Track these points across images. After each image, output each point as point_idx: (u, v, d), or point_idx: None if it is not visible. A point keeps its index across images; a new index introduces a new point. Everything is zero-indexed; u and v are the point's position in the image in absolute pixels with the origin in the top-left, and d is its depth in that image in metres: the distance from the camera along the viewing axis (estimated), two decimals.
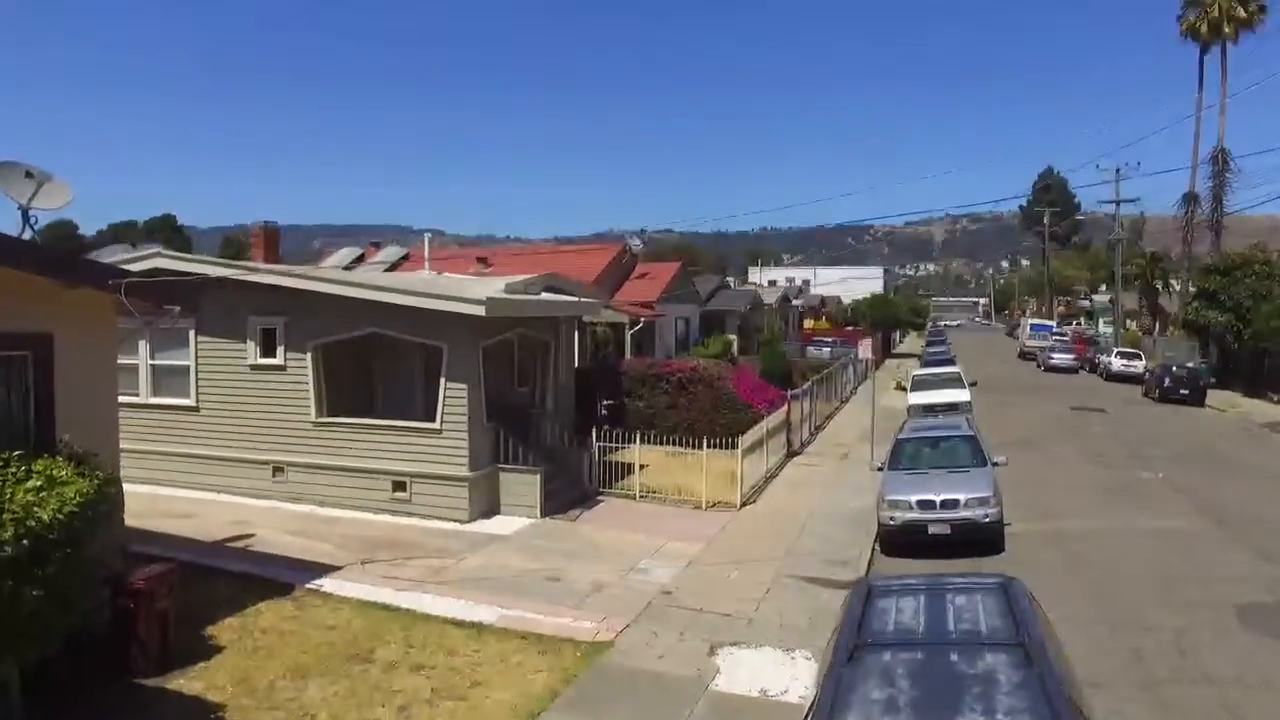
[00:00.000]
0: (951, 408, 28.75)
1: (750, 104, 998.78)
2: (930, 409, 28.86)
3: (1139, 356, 48.15)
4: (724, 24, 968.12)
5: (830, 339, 55.67)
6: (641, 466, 20.58)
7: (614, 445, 19.80)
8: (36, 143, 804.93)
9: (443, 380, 16.19)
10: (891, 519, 15.39)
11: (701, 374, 23.77)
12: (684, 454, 23.17)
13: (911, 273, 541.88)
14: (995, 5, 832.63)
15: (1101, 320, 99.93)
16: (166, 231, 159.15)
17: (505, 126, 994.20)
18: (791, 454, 24.29)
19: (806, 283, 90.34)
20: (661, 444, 21.07)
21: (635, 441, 19.75)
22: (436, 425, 16.16)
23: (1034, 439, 27.34)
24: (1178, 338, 59.80)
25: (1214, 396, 38.96)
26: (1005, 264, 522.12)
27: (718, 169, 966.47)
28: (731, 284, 54.87)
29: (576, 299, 20.27)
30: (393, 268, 34.27)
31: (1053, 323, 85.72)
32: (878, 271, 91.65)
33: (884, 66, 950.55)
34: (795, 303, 60.72)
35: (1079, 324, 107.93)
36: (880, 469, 17.59)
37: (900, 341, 70.55)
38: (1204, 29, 51.33)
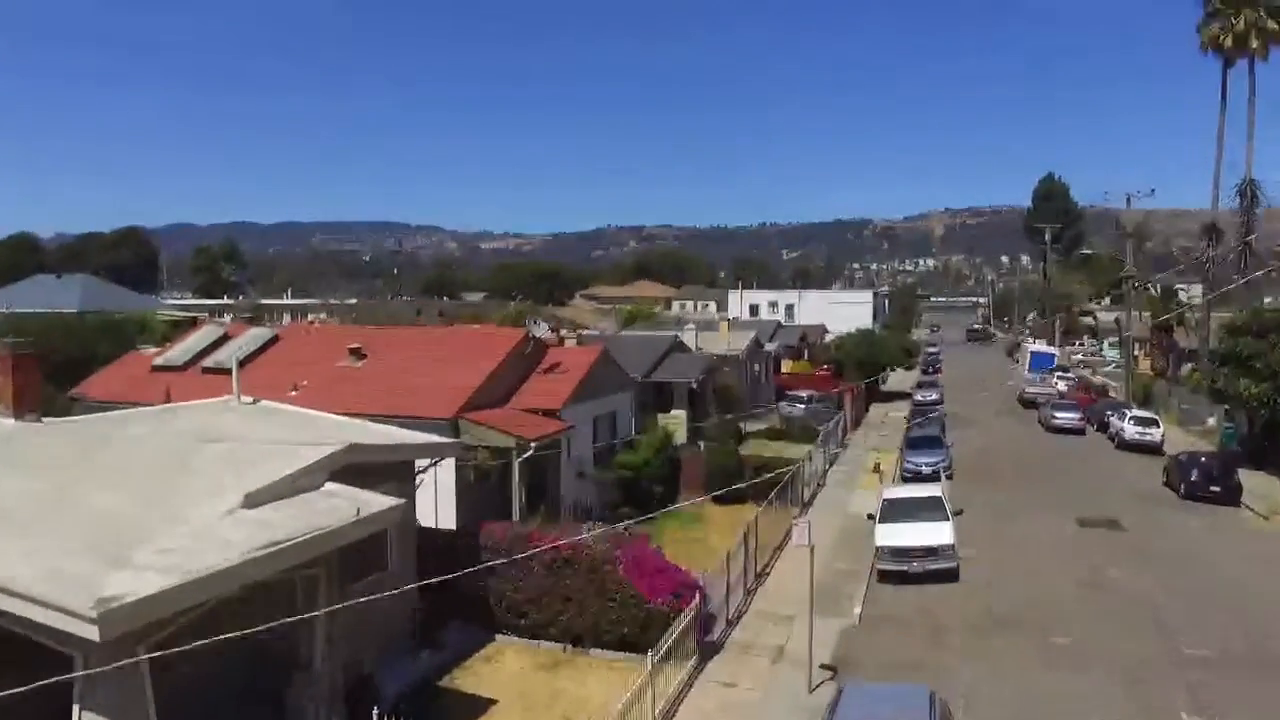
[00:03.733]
0: (929, 552, 22.53)
1: (749, 96, 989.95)
2: (903, 555, 22.62)
3: (1155, 423, 41.90)
4: (722, 18, 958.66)
5: (807, 393, 49.40)
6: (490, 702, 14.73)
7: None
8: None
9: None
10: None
11: (581, 555, 17.57)
12: (560, 658, 17.31)
13: (911, 268, 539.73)
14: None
15: (1106, 342, 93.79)
16: (133, 245, 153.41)
17: (502, 121, 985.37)
18: (707, 651, 18.09)
19: (790, 308, 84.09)
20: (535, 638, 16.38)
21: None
22: None
23: (1035, 606, 21.09)
24: (1195, 378, 53.65)
25: (1246, 481, 32.76)
26: (1005, 259, 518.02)
27: (717, 162, 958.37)
28: (694, 332, 48.45)
29: (354, 520, 13.15)
30: (252, 357, 28.01)
31: (1054, 351, 79.43)
32: (866, 296, 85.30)
33: (881, 59, 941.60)
34: (769, 347, 54.38)
35: (1082, 344, 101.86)
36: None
37: (890, 375, 64.18)
38: (1228, 42, 45.02)
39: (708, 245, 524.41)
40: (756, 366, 53.77)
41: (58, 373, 36.97)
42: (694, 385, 36.94)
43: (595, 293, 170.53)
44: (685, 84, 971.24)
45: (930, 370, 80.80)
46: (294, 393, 25.39)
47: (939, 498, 24.07)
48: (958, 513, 23.96)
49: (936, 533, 22.78)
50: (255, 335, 28.90)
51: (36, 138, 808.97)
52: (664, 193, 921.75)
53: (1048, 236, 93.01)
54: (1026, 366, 78.90)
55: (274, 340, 28.97)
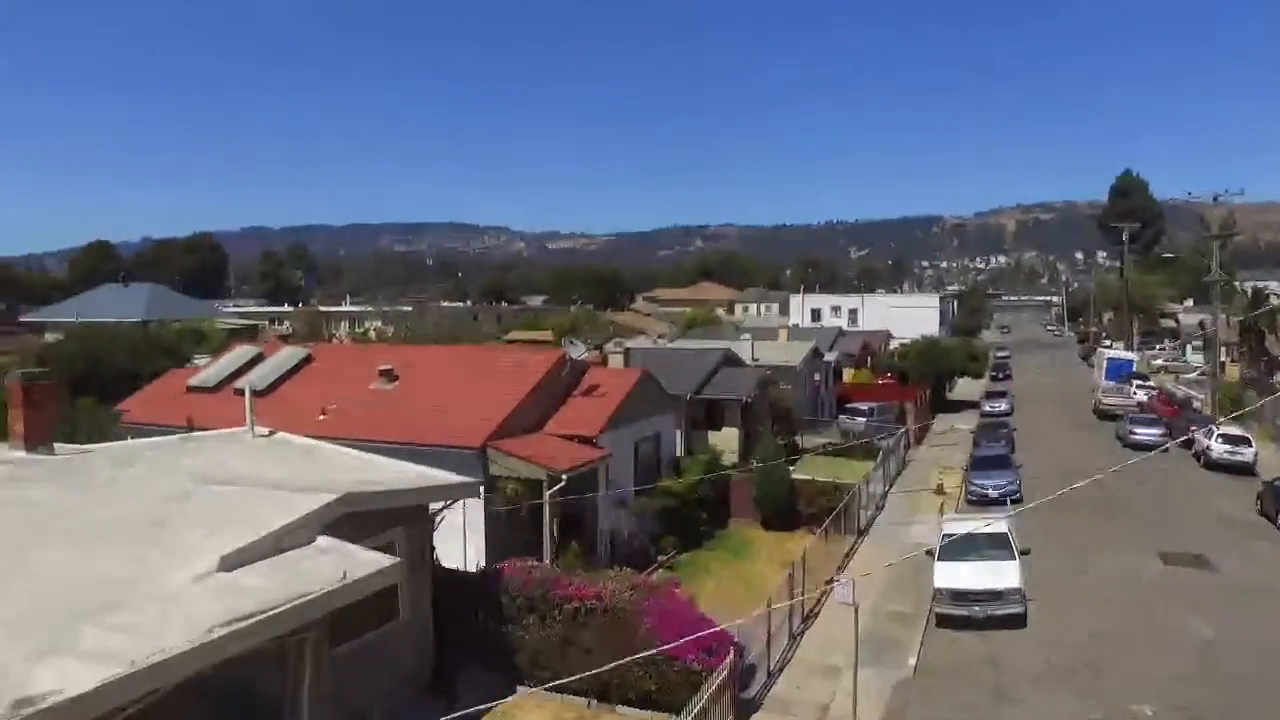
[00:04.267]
0: (993, 596, 20.65)
1: (814, 92, 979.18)
2: (965, 598, 20.78)
3: (1247, 441, 38.92)
4: (788, 14, 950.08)
5: (867, 405, 47.32)
6: None
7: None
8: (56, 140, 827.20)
9: None
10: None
11: (608, 602, 16.20)
12: (585, 714, 16.07)
13: (981, 265, 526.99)
14: None
15: (1189, 346, 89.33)
16: (204, 251, 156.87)
17: (569, 122, 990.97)
18: (743, 711, 16.59)
19: (854, 313, 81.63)
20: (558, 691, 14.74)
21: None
22: None
23: (1113, 662, 19.08)
24: None
25: None
26: (1080, 256, 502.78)
27: (781, 160, 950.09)
28: (750, 342, 46.74)
29: (339, 587, 11.84)
30: (284, 378, 27.28)
31: (1133, 357, 75.61)
32: (932, 300, 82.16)
33: (947, 51, 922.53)
34: (829, 356, 52.38)
35: (1162, 348, 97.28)
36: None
37: (957, 383, 61.49)
38: None
39: (772, 244, 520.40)
40: (816, 376, 51.87)
41: (114, 384, 37.17)
42: (746, 402, 35.30)
43: (657, 295, 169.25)
44: (748, 82, 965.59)
45: (1000, 376, 77.78)
46: (322, 417, 24.58)
47: (1005, 534, 22.11)
48: (1025, 551, 21.99)
49: (1002, 574, 20.88)
50: (288, 355, 28.15)
51: (118, 146, 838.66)
52: (728, 191, 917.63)
53: (1125, 236, 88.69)
54: (1103, 373, 75.29)
55: (307, 360, 28.19)
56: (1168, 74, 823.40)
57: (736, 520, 29.40)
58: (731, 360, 38.96)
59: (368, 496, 14.65)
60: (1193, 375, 73.15)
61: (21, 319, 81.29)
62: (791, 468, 37.39)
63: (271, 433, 19.16)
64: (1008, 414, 56.00)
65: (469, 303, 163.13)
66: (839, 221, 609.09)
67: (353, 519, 14.30)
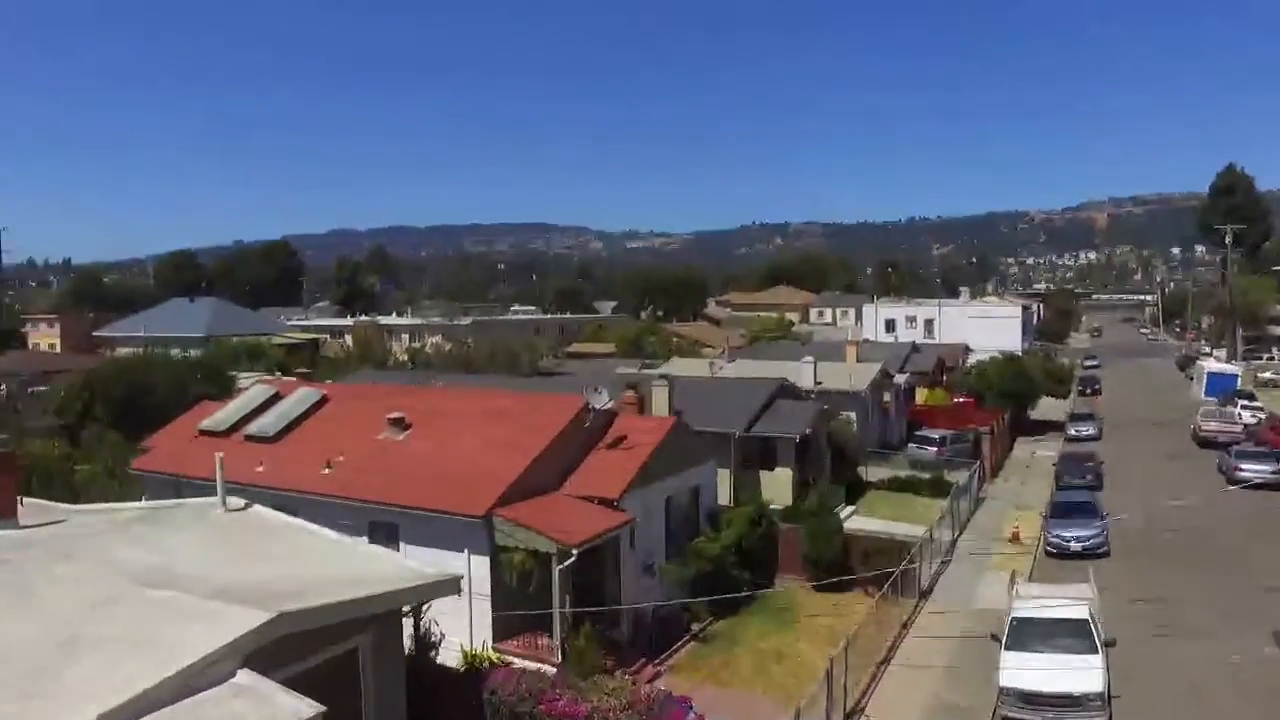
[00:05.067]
0: (1070, 702, 17.66)
1: (895, 86, 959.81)
2: (1036, 702, 17.84)
3: None
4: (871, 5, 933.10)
5: (939, 434, 43.95)
6: None
7: None
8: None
9: None
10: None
11: None
12: None
13: (1070, 262, 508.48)
14: None
15: None
16: (281, 258, 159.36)
17: (644, 118, 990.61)
18: None
19: (930, 323, 77.63)
20: None
21: None
22: None
23: None
24: None
25: None
26: (1176, 251, 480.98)
27: (864, 156, 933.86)
28: (811, 366, 43.85)
29: None
30: (296, 423, 25.64)
31: (1237, 371, 70.12)
32: (1014, 310, 77.31)
33: (1033, 41, 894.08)
34: (899, 378, 49.05)
35: (1271, 358, 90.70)
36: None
37: (1039, 402, 57.31)
38: None
39: (854, 241, 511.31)
40: (885, 397, 48.65)
41: (157, 410, 36.27)
42: (799, 440, 32.55)
43: (730, 300, 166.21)
44: (830, 76, 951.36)
45: (1087, 391, 72.99)
46: (327, 470, 22.86)
47: (1086, 621, 19.02)
48: (1110, 643, 18.85)
49: (1082, 674, 17.83)
50: (301, 399, 26.49)
51: (205, 149, 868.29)
52: (811, 188, 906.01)
53: (1228, 238, 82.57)
54: (1203, 388, 69.98)
55: (322, 402, 26.50)
56: (1269, 58, 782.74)
57: (785, 576, 26.75)
58: (787, 391, 36.16)
59: (310, 614, 12.55)
60: None
61: (98, 332, 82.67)
62: (852, 506, 34.74)
63: (246, 505, 17.32)
64: (1095, 438, 51.83)
65: (539, 309, 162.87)
66: (922, 218, 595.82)
67: (298, 637, 12.28)
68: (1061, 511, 31.15)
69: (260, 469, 23.62)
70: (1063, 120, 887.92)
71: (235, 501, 17.38)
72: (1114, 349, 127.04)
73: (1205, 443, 48.35)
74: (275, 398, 27.39)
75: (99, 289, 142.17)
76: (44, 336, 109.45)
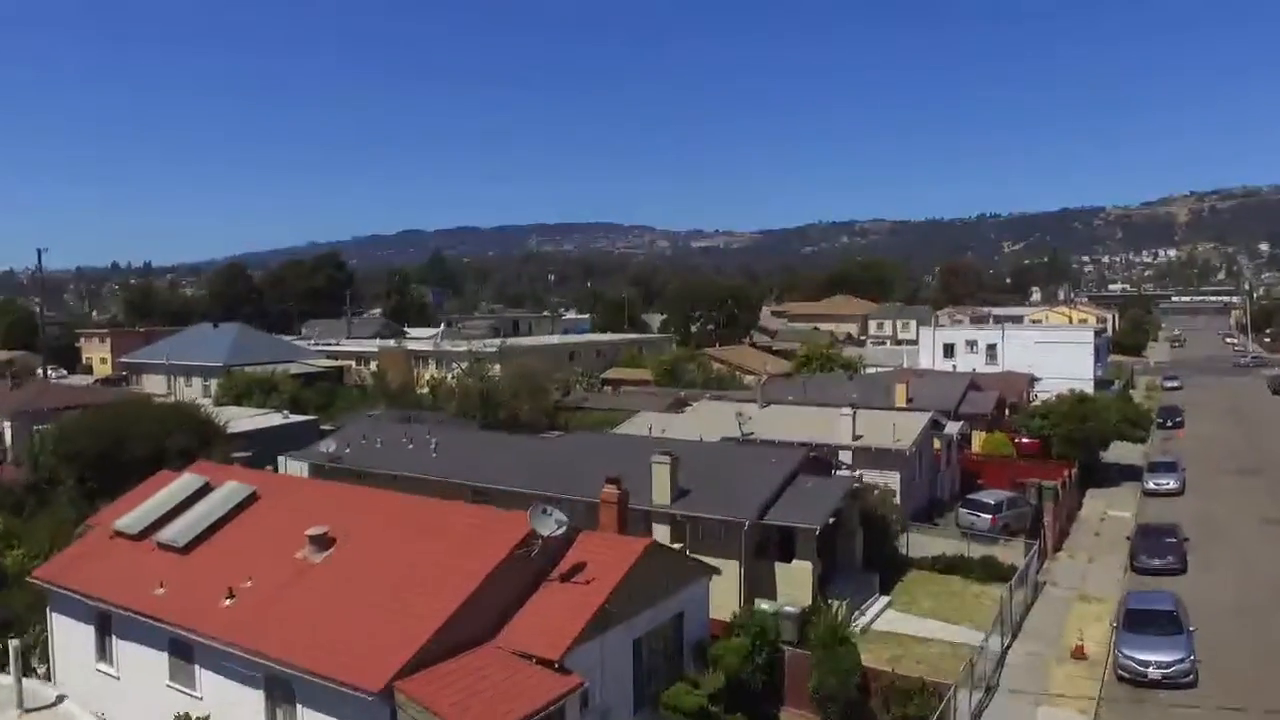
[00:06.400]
0: None
1: (965, 81, 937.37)
2: None
3: None
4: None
5: (994, 498, 38.66)
6: None
7: None
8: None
9: None
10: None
11: None
12: None
13: (1149, 259, 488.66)
14: None
15: None
16: (329, 269, 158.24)
17: (709, 117, 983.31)
18: None
19: (992, 348, 71.70)
20: None
21: None
22: None
23: None
24: None
25: None
26: (1264, 247, 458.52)
27: (933, 151, 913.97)
28: (849, 420, 39.13)
29: None
30: (216, 527, 21.93)
31: None
32: (1086, 335, 70.58)
33: (1107, 35, 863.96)
34: (951, 428, 43.80)
35: None
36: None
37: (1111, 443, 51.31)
38: None
39: (922, 239, 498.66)
40: (936, 444, 43.62)
41: (136, 466, 33.18)
42: (839, 505, 27.98)
43: (786, 310, 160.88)
44: (897, 71, 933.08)
45: (1168, 423, 66.43)
46: (227, 602, 19.09)
47: None
48: None
49: None
50: (228, 495, 22.78)
51: (284, 154, 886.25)
52: (879, 185, 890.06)
53: None
54: None
55: (250, 500, 22.76)
56: None
57: (791, 711, 22.29)
58: (813, 464, 31.45)
59: None
60: None
61: (125, 358, 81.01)
62: (886, 597, 30.03)
63: (59, 699, 13.57)
64: (1177, 493, 45.99)
65: (568, 322, 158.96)
66: (993, 214, 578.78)
67: None
68: (1136, 622, 25.88)
69: (160, 591, 19.98)
70: (1140, 112, 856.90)
71: (43, 694, 13.62)
72: (1197, 364, 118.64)
73: None
74: (204, 490, 23.74)
75: (148, 301, 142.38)
76: (97, 352, 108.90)
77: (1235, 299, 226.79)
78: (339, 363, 74.15)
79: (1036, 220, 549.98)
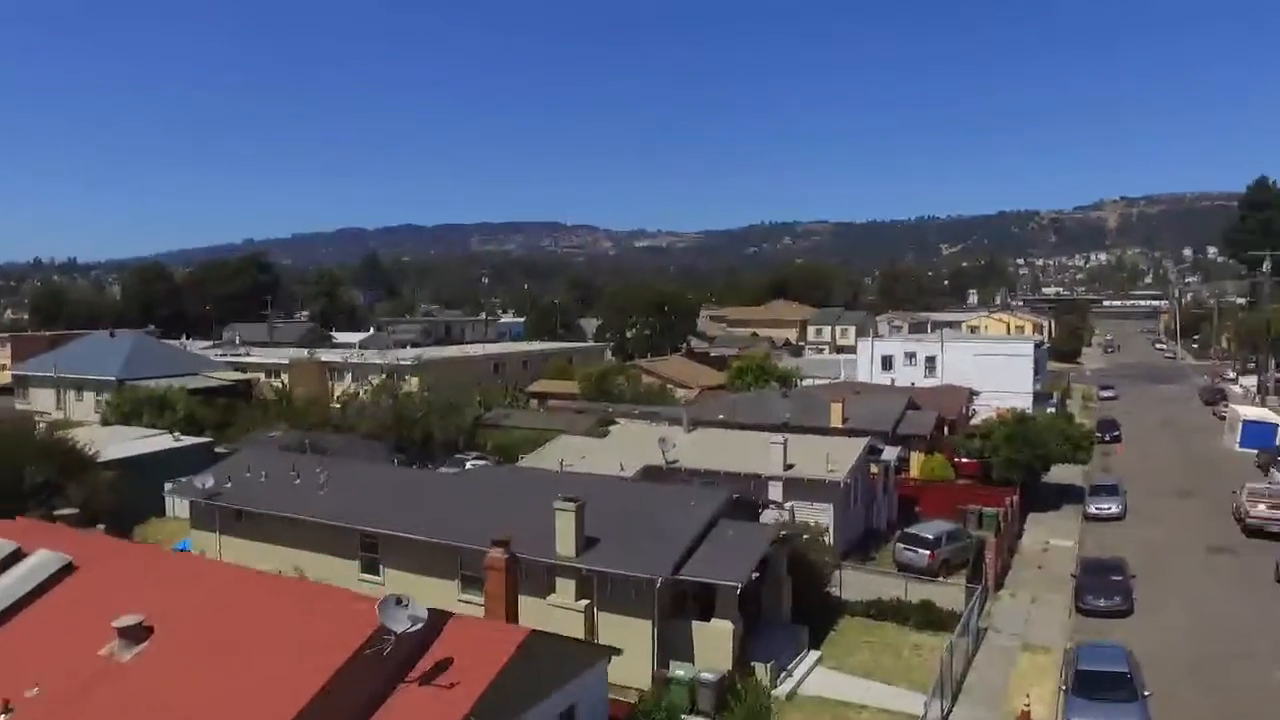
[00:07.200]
0: None
1: (907, 86, 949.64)
2: None
3: None
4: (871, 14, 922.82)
5: (934, 533, 36.08)
6: None
7: None
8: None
9: None
10: None
11: None
12: None
13: (1080, 263, 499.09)
14: None
15: None
16: (253, 271, 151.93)
17: (653, 117, 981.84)
18: None
19: (931, 360, 69.87)
20: None
21: None
22: None
23: None
24: None
25: None
26: (1188, 252, 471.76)
27: (874, 155, 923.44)
28: (780, 449, 36.59)
29: None
30: (18, 607, 18.26)
31: (1277, 421, 62.19)
32: (1027, 348, 69.29)
33: (1043, 39, 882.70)
34: (888, 453, 41.38)
35: None
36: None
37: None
38: None
39: (863, 241, 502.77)
40: (873, 469, 41.21)
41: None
42: (768, 554, 25.14)
43: (725, 315, 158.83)
44: (839, 76, 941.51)
45: (1106, 437, 65.15)
46: (4, 717, 15.45)
47: None
48: None
49: None
50: (36, 568, 19.12)
51: (220, 147, 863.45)
52: (822, 187, 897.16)
53: (1266, 265, 74.60)
54: (1237, 438, 62.28)
55: (65, 572, 19.11)
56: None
57: None
58: (739, 505, 28.61)
59: None
60: None
61: (16, 370, 75.03)
62: (816, 653, 27.30)
63: None
64: (1118, 517, 44.33)
65: (504, 326, 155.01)
66: (932, 217, 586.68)
67: None
68: (1087, 686, 23.41)
69: None
70: (1076, 118, 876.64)
71: None
72: (1130, 371, 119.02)
73: (1254, 531, 40.70)
74: (14, 557, 19.98)
75: (56, 302, 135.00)
76: None
77: (1163, 303, 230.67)
78: (248, 375, 69.51)
79: (974, 223, 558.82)
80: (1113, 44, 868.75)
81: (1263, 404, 76.43)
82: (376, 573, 29.06)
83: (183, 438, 47.47)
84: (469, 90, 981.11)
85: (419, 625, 15.25)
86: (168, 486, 40.83)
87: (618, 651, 19.32)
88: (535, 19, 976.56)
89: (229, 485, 33.52)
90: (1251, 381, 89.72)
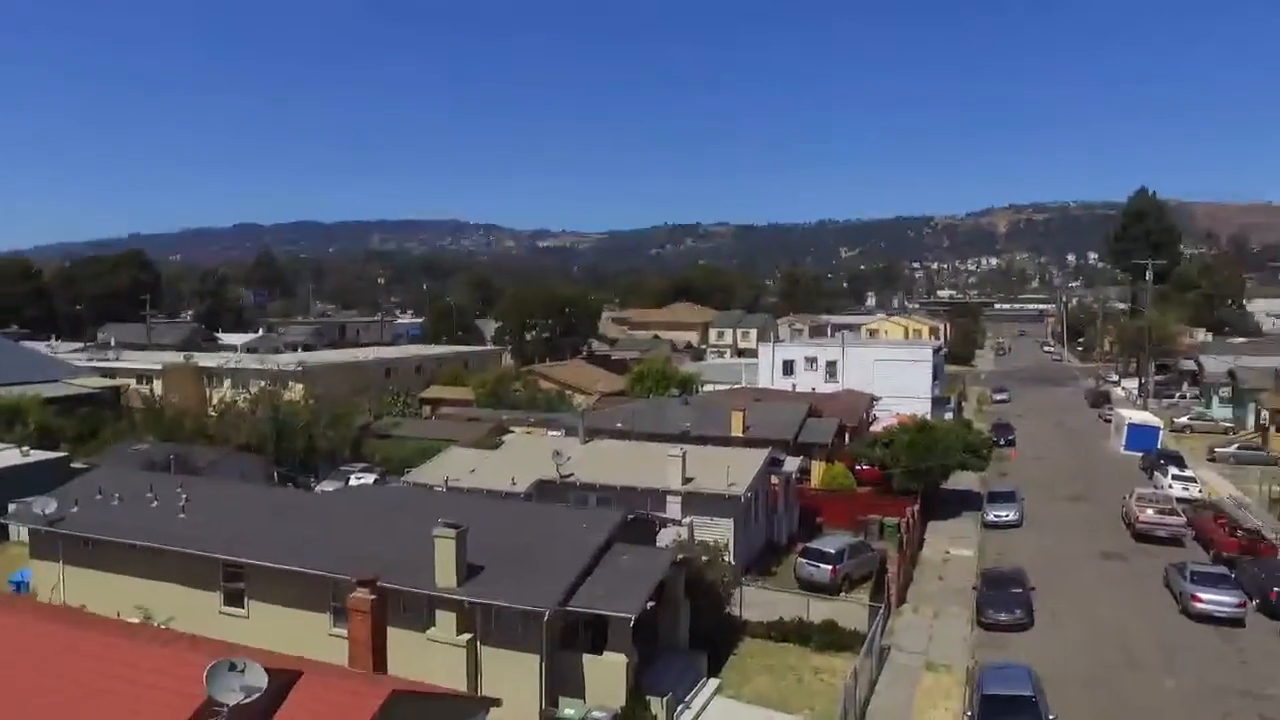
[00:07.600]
0: None
1: (810, 92, 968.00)
2: None
3: None
4: (780, 12, 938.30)
5: (835, 547, 35.13)
6: None
7: None
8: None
9: None
10: None
11: None
12: None
13: (973, 267, 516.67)
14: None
15: (1215, 398, 77.96)
16: (132, 268, 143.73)
17: (556, 117, 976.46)
18: None
19: (832, 365, 69.78)
20: None
21: None
22: None
23: None
24: None
25: None
26: (1071, 258, 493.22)
27: (775, 159, 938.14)
28: (679, 462, 35.25)
29: None
30: None
31: (1159, 423, 64.03)
32: (925, 352, 69.55)
33: (937, 51, 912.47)
34: (789, 465, 40.46)
35: (1182, 395, 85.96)
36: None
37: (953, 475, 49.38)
38: None
39: (764, 243, 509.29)
40: (773, 480, 40.22)
41: None
42: (664, 576, 23.58)
43: (628, 317, 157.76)
44: (742, 81, 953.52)
45: (1002, 441, 65.94)
46: None
47: None
48: None
49: None
50: None
51: (101, 140, 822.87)
52: (723, 190, 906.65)
53: (1149, 275, 77.08)
54: (1123, 441, 63.86)
55: None
56: (1156, 72, 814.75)
57: None
58: (635, 526, 27.06)
59: None
60: (1230, 446, 61.63)
61: None
62: (716, 680, 25.94)
63: None
64: (1016, 524, 44.45)
65: (402, 325, 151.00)
66: (831, 220, 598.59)
67: None
68: (991, 713, 22.66)
69: None
70: (968, 129, 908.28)
71: None
72: (1022, 374, 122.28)
73: (1142, 536, 41.24)
74: None
75: None
76: None
77: (1050, 307, 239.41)
78: (116, 381, 64.81)
79: (872, 227, 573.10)
80: (1001, 59, 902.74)
81: (1144, 406, 79.01)
82: (241, 605, 26.51)
83: (33, 452, 43.48)
84: (370, 84, 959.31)
85: (254, 697, 13.13)
86: (11, 509, 37.11)
87: (496, 702, 17.47)
88: (437, 10, 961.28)
89: (75, 509, 30.26)
90: (1133, 384, 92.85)
